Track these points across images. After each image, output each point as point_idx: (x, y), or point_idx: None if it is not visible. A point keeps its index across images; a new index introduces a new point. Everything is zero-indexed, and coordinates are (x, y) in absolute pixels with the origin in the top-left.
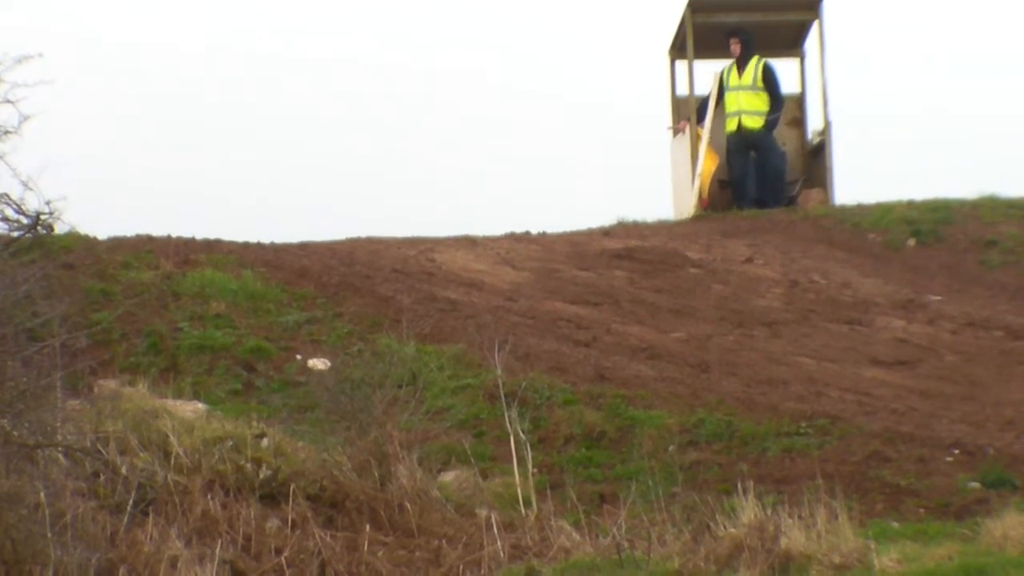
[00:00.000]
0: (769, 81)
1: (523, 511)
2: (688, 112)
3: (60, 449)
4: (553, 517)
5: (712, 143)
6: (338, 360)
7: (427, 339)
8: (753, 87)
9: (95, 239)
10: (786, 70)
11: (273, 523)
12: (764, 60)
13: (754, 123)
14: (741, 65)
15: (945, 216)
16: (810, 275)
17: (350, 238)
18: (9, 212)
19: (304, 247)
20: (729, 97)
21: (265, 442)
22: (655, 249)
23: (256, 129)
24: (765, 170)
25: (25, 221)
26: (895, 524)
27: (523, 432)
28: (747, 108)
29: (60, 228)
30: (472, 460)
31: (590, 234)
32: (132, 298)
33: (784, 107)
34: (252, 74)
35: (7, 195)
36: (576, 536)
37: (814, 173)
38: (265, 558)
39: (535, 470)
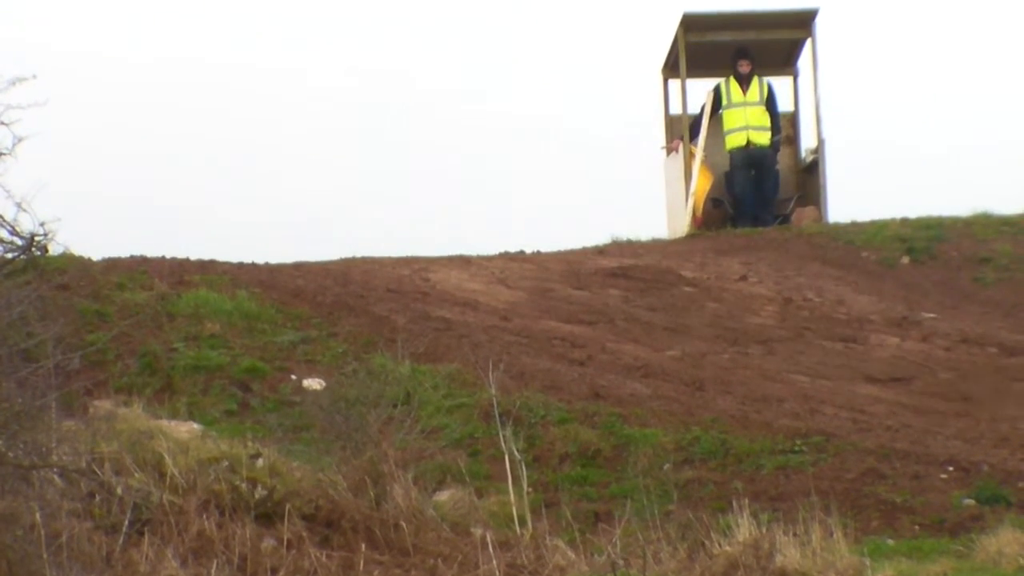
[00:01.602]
0: (773, 103)
1: (518, 530)
2: (681, 131)
3: (55, 470)
4: (548, 536)
5: (706, 161)
6: (333, 380)
7: (422, 358)
8: (760, 103)
9: (90, 260)
10: (779, 88)
11: (269, 543)
12: (768, 80)
13: (763, 139)
14: (745, 82)
15: (939, 233)
16: (804, 293)
17: (344, 258)
18: (3, 233)
19: (298, 267)
20: (735, 113)
21: (260, 462)
22: (649, 267)
23: (250, 149)
24: (763, 189)
25: (19, 242)
26: (890, 541)
27: (518, 451)
28: (755, 124)
29: (55, 249)
30: (467, 479)
31: (584, 253)
32: (127, 319)
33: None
34: (247, 93)
35: (1, 216)
36: (571, 554)
37: (808, 191)
38: None
39: (530, 489)
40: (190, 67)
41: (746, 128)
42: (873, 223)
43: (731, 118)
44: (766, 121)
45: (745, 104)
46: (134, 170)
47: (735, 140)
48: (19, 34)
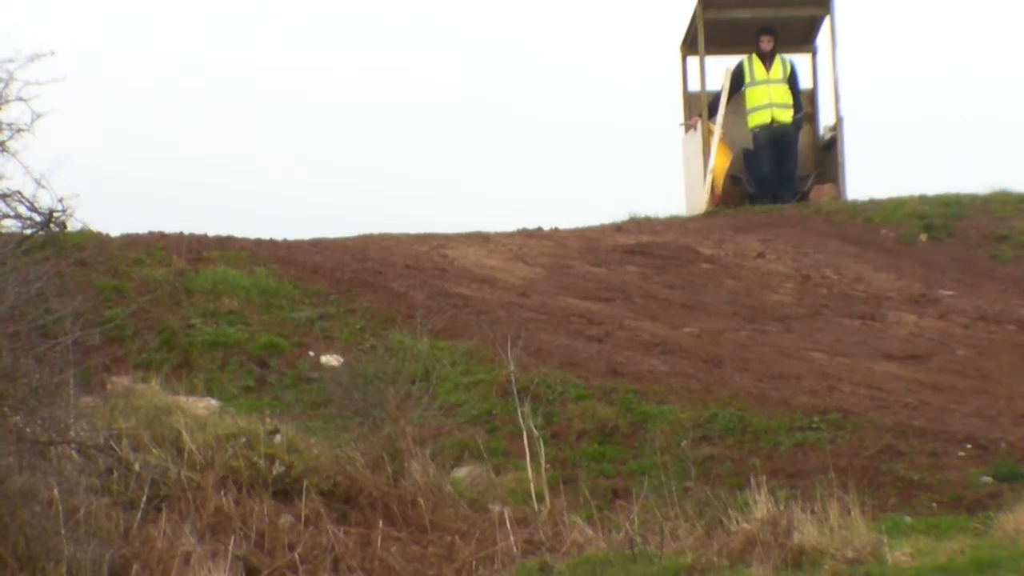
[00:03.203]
0: (795, 80)
1: (536, 506)
2: (700, 108)
3: (73, 446)
4: (566, 512)
5: (724, 138)
6: (351, 356)
7: (440, 335)
8: (783, 81)
9: (108, 236)
10: (798, 65)
11: (286, 519)
12: (789, 58)
13: (786, 117)
14: (768, 60)
15: (957, 211)
16: (822, 270)
17: (362, 234)
18: (22, 210)
19: (316, 243)
20: (758, 91)
21: (278, 438)
22: (667, 245)
23: (268, 126)
24: (784, 167)
25: (38, 218)
26: (907, 518)
27: (536, 427)
28: (779, 102)
29: (73, 225)
30: (485, 455)
31: (602, 230)
32: (145, 295)
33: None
34: (262, 72)
35: (20, 193)
36: (589, 531)
37: (826, 168)
38: (279, 554)
39: (548, 465)
40: (211, 47)
41: (770, 106)
42: (891, 200)
43: (755, 96)
44: (789, 99)
45: (769, 82)
46: (153, 146)
47: (759, 118)
48: (38, 11)
